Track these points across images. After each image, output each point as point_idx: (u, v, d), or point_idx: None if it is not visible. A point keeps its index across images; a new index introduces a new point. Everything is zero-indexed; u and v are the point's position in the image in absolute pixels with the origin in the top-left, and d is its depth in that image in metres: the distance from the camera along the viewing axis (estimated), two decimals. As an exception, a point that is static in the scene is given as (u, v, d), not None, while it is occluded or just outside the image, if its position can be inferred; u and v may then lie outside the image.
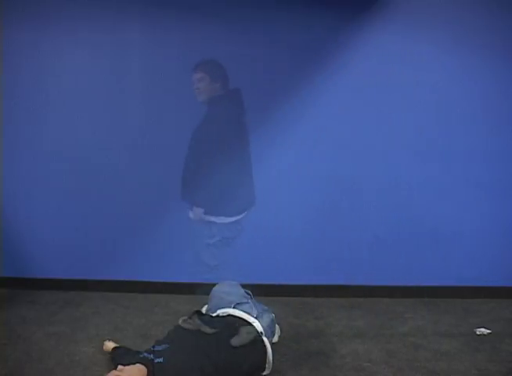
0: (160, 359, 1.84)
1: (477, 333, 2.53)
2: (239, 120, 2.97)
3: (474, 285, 3.03)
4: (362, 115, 2.93)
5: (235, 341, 1.96)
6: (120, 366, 1.83)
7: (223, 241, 3.06)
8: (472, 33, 2.86)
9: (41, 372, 2.12)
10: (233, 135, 3.01)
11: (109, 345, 2.25)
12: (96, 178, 3.04)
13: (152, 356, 1.87)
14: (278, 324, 2.44)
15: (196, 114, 2.95)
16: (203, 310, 2.45)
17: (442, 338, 2.48)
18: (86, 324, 2.62)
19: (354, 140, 2.96)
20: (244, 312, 2.16)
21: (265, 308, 2.35)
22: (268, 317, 2.27)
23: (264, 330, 2.12)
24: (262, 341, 2.07)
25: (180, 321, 2.07)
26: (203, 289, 2.70)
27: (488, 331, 2.54)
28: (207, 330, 1.99)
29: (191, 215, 3.04)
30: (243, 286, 2.47)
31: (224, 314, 2.17)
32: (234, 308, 2.20)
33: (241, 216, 3.04)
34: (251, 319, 2.11)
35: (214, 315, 2.21)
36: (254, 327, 2.09)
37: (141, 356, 1.90)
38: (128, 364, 1.83)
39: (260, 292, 2.51)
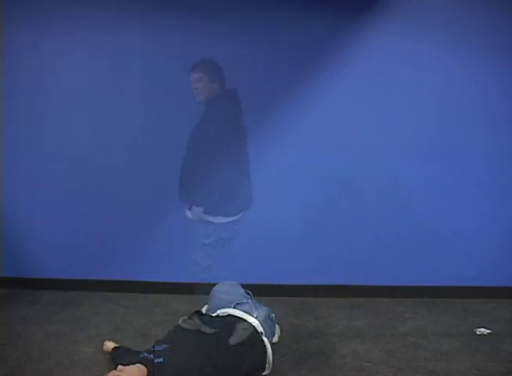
0: (160, 359, 1.84)
1: (477, 333, 2.53)
2: (237, 120, 2.97)
3: (474, 285, 3.03)
4: (362, 115, 2.93)
5: (232, 340, 1.96)
6: (120, 366, 1.83)
7: (219, 242, 3.05)
8: (472, 33, 2.86)
9: (41, 372, 2.12)
10: (231, 135, 3.01)
11: (109, 345, 2.25)
12: (96, 178, 3.04)
13: (152, 356, 1.87)
14: (278, 324, 2.44)
15: (195, 114, 2.95)
16: (203, 310, 2.45)
17: (442, 338, 2.48)
18: (86, 324, 2.62)
19: (354, 140, 2.96)
20: (244, 312, 2.16)
21: (265, 308, 2.35)
22: (268, 317, 2.27)
23: (264, 330, 2.12)
24: (262, 341, 2.07)
25: (180, 321, 2.07)
26: (202, 289, 2.70)
27: (488, 331, 2.54)
28: (207, 330, 1.99)
29: (189, 214, 3.04)
30: (243, 286, 2.47)
31: (224, 314, 2.17)
32: (234, 308, 2.20)
33: (238, 217, 3.04)
34: (251, 319, 2.11)
35: (214, 315, 2.21)
36: (251, 323, 2.08)
37: (141, 356, 1.90)
38: (128, 364, 1.83)
39: (260, 292, 2.51)
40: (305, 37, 2.88)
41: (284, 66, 2.91)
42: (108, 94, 2.98)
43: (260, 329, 2.09)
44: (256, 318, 2.14)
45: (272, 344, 2.15)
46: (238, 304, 2.22)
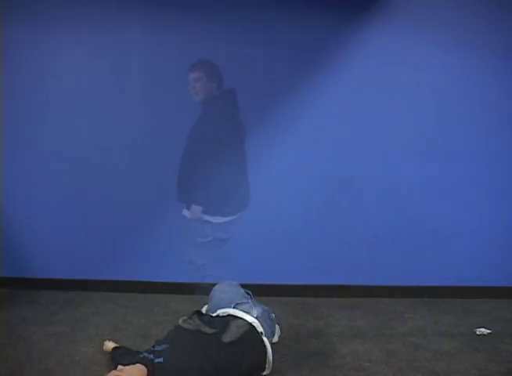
0: (160, 359, 1.84)
1: (477, 333, 2.53)
2: (235, 120, 2.97)
3: (474, 285, 3.03)
4: (362, 115, 2.93)
5: (225, 337, 1.95)
6: (120, 366, 1.83)
7: (215, 242, 3.05)
8: (472, 33, 2.86)
9: (41, 372, 2.12)
10: (229, 135, 3.01)
11: (109, 345, 2.25)
12: (96, 178, 3.04)
13: (152, 356, 1.87)
14: (278, 324, 2.44)
15: (195, 114, 2.95)
16: (203, 310, 2.45)
17: (442, 338, 2.48)
18: (86, 324, 2.62)
19: (354, 140, 2.96)
20: (244, 312, 2.16)
21: (265, 308, 2.35)
22: (268, 317, 2.27)
23: (264, 330, 2.12)
24: (262, 341, 2.07)
25: (180, 321, 2.06)
26: (202, 289, 2.70)
27: (488, 331, 2.54)
28: (207, 330, 1.99)
29: (187, 213, 3.04)
30: (243, 286, 2.47)
31: (224, 314, 2.17)
32: (234, 308, 2.19)
33: (236, 216, 3.04)
34: (251, 319, 2.11)
35: (214, 315, 2.20)
36: (248, 322, 2.08)
37: (141, 356, 1.90)
38: (128, 364, 1.83)
39: (260, 292, 2.51)
40: (305, 37, 2.88)
41: (284, 66, 2.91)
42: (108, 94, 2.98)
43: (260, 329, 2.09)
44: (256, 318, 2.14)
45: (272, 344, 2.15)
46: (238, 304, 2.22)
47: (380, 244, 3.03)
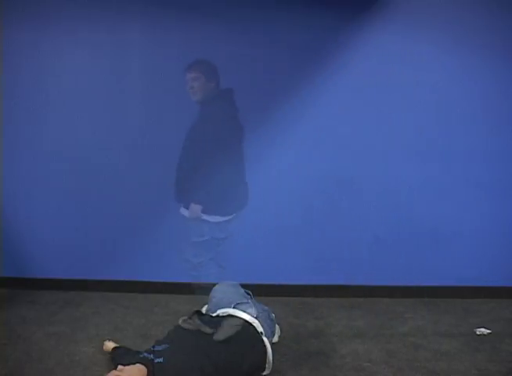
0: (160, 359, 1.84)
1: (477, 333, 2.53)
2: (233, 119, 2.96)
3: (474, 285, 3.03)
4: (362, 115, 2.93)
5: (217, 336, 1.95)
6: (120, 366, 1.83)
7: (212, 241, 3.05)
8: (472, 33, 2.86)
9: (41, 372, 2.12)
10: (227, 134, 3.01)
11: (109, 345, 2.26)
12: (96, 178, 3.04)
13: (152, 356, 1.87)
14: (278, 324, 2.45)
15: (195, 114, 2.95)
16: (203, 310, 2.45)
17: (442, 338, 2.49)
18: (86, 324, 2.62)
19: (354, 140, 2.96)
20: (244, 312, 2.16)
21: (265, 308, 2.35)
22: (268, 317, 2.27)
23: (264, 330, 2.12)
24: (262, 341, 2.07)
25: (180, 321, 2.06)
26: (202, 289, 2.70)
27: (488, 331, 2.54)
28: (207, 330, 1.99)
29: (185, 212, 3.04)
30: (243, 286, 2.47)
31: (224, 314, 2.17)
32: (234, 308, 2.19)
33: (233, 216, 3.04)
34: (251, 320, 2.11)
35: (214, 315, 2.20)
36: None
37: (141, 356, 1.90)
38: (128, 364, 1.83)
39: (260, 292, 2.51)
40: (305, 37, 2.88)
41: (284, 66, 2.91)
42: (108, 94, 2.98)
43: (260, 329, 2.09)
44: (256, 318, 2.14)
45: (272, 344, 2.15)
46: (238, 304, 2.22)
47: (380, 244, 3.03)
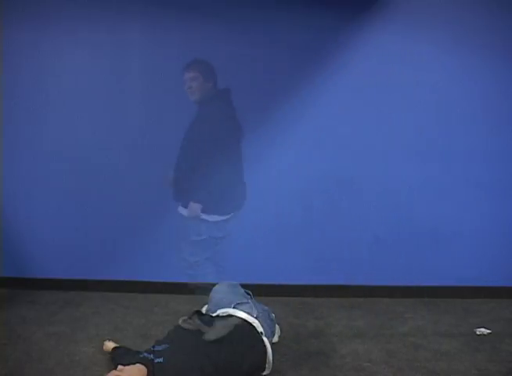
0: (160, 359, 1.84)
1: (477, 333, 2.53)
2: (231, 119, 2.96)
3: (474, 285, 3.03)
4: (362, 115, 2.93)
5: (208, 336, 1.94)
6: (120, 366, 1.83)
7: (210, 240, 3.06)
8: (472, 33, 2.86)
9: (41, 372, 2.12)
10: (226, 134, 3.01)
11: (109, 345, 2.25)
12: (96, 178, 3.04)
13: (152, 356, 1.87)
14: (278, 324, 2.44)
15: (193, 114, 2.95)
16: (203, 310, 2.45)
17: (442, 338, 2.49)
18: (86, 324, 2.62)
19: (354, 140, 2.96)
20: (244, 312, 2.15)
21: (265, 308, 2.35)
22: (268, 317, 2.27)
23: (264, 330, 2.12)
24: (262, 341, 2.07)
25: (180, 321, 2.06)
26: (201, 289, 2.70)
27: (488, 331, 2.54)
28: (207, 330, 1.99)
29: (184, 211, 3.04)
30: (243, 286, 2.47)
31: (224, 314, 2.17)
32: (234, 308, 2.19)
33: (231, 215, 3.04)
34: (251, 319, 2.11)
35: (214, 315, 2.20)
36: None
37: (141, 356, 1.90)
38: (128, 364, 1.83)
39: (260, 292, 2.51)
40: (305, 37, 2.88)
41: (284, 66, 2.91)
42: (108, 94, 2.98)
43: (260, 329, 2.09)
44: (256, 318, 2.14)
45: (272, 344, 2.15)
46: (238, 304, 2.22)
47: (380, 244, 3.03)
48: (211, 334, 1.95)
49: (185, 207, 3.03)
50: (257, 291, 2.46)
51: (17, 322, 2.63)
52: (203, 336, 1.94)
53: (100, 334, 2.48)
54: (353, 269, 3.05)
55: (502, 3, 2.84)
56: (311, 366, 2.20)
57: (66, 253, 3.10)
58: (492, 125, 2.93)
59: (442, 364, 2.21)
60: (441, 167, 2.97)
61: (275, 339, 2.37)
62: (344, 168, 2.98)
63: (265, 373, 2.08)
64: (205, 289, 2.56)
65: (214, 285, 2.49)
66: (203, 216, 3.02)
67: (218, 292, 2.41)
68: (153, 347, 1.94)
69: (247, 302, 2.25)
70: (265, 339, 2.08)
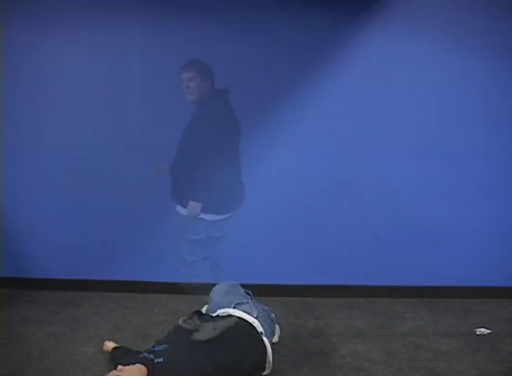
0: (160, 359, 1.84)
1: (477, 333, 2.53)
2: (229, 119, 2.97)
3: (474, 285, 3.03)
4: (362, 115, 2.93)
5: (197, 336, 1.93)
6: (120, 366, 1.83)
7: (208, 240, 3.06)
8: (472, 33, 2.86)
9: (41, 372, 2.12)
10: (224, 134, 3.01)
11: (109, 345, 2.25)
12: (96, 178, 3.04)
13: (152, 356, 1.87)
14: (278, 324, 2.45)
15: (191, 114, 2.96)
16: (203, 310, 2.45)
17: (442, 338, 2.49)
18: (86, 324, 2.62)
19: (354, 140, 2.96)
20: (244, 312, 2.16)
21: (265, 308, 2.35)
22: (268, 317, 2.27)
23: (264, 330, 2.12)
24: (262, 341, 2.07)
25: (180, 321, 2.06)
26: (193, 289, 2.70)
27: (488, 331, 2.54)
28: (200, 330, 1.98)
29: (183, 211, 3.03)
30: (243, 286, 2.47)
31: (224, 314, 2.17)
32: (234, 308, 2.19)
33: (229, 215, 3.04)
34: (251, 319, 2.11)
35: (214, 315, 2.20)
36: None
37: (141, 356, 1.90)
38: (128, 364, 1.83)
39: (260, 292, 2.51)
40: (305, 37, 2.88)
41: (284, 66, 2.91)
42: (108, 94, 2.98)
43: (260, 329, 2.09)
44: (256, 318, 2.14)
45: (272, 344, 2.15)
46: (238, 304, 2.22)
47: (380, 244, 3.03)
48: (200, 334, 1.94)
49: (184, 206, 3.03)
50: (257, 291, 2.46)
51: (17, 322, 2.63)
52: (192, 336, 1.93)
53: (100, 334, 2.48)
54: (353, 269, 3.05)
55: (502, 3, 2.84)
56: (311, 366, 2.20)
57: (66, 253, 3.10)
58: (492, 125, 2.93)
59: (442, 364, 2.21)
60: (441, 167, 2.97)
61: (275, 339, 2.37)
62: (344, 168, 2.98)
63: (265, 373, 2.08)
64: (197, 288, 2.56)
65: (205, 285, 2.48)
66: (201, 215, 3.03)
67: (218, 292, 2.41)
68: (153, 347, 1.94)
69: (247, 302, 2.25)
70: (265, 339, 2.08)
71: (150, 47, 2.93)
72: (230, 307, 2.20)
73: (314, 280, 3.07)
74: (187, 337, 1.96)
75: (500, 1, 2.84)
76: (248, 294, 2.40)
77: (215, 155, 3.00)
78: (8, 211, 3.08)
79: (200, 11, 2.87)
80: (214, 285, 2.49)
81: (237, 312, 2.15)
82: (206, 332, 1.95)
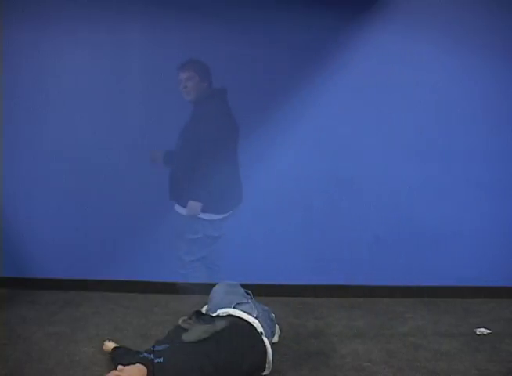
0: (160, 359, 1.84)
1: (477, 333, 2.53)
2: (228, 119, 2.96)
3: (474, 285, 3.03)
4: (362, 115, 2.93)
5: (186, 336, 1.93)
6: (120, 366, 1.83)
7: (205, 239, 3.06)
8: (472, 33, 2.86)
9: (41, 372, 2.12)
10: (222, 134, 3.01)
11: (109, 345, 2.25)
12: (96, 178, 3.04)
13: (152, 356, 1.87)
14: (278, 324, 2.44)
15: (189, 114, 2.96)
16: (203, 310, 2.45)
17: (442, 338, 2.48)
18: (86, 324, 2.62)
19: (354, 140, 2.96)
20: (244, 312, 2.16)
21: (265, 308, 2.35)
22: (268, 317, 2.27)
23: (264, 330, 2.12)
24: (262, 341, 2.06)
25: (180, 321, 2.06)
26: (183, 288, 2.69)
27: (488, 331, 2.54)
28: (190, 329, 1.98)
29: (182, 210, 3.03)
30: (243, 286, 2.47)
31: (224, 314, 2.17)
32: (234, 308, 2.19)
33: (227, 215, 3.04)
34: (251, 319, 2.11)
35: (214, 315, 2.20)
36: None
37: (141, 356, 1.90)
38: (128, 364, 1.83)
39: (260, 292, 2.51)
40: (305, 37, 2.88)
41: (284, 66, 2.91)
42: (108, 94, 2.98)
43: (260, 329, 2.09)
44: (256, 318, 2.14)
45: (272, 344, 2.15)
46: (238, 304, 2.22)
47: (380, 244, 3.03)
48: (190, 335, 1.94)
49: (183, 205, 3.03)
50: (257, 291, 2.46)
51: (17, 322, 2.63)
52: (181, 336, 1.93)
53: (100, 334, 2.48)
54: (353, 269, 3.05)
55: (502, 3, 2.84)
56: (311, 366, 2.20)
57: (66, 253, 3.10)
58: (492, 125, 2.94)
59: (442, 364, 2.21)
60: (441, 167, 2.97)
61: (275, 339, 2.37)
62: (344, 168, 2.98)
63: (265, 373, 2.08)
64: (189, 289, 2.55)
65: (197, 285, 2.48)
66: (200, 214, 3.03)
67: (218, 292, 2.41)
68: (153, 347, 1.94)
69: (247, 302, 2.25)
70: (265, 339, 2.08)
71: (150, 47, 2.93)
72: (230, 307, 2.20)
73: (314, 280, 3.07)
74: (187, 337, 1.97)
75: (500, 1, 2.84)
76: (248, 294, 2.40)
77: (213, 155, 3.00)
78: (8, 211, 3.08)
79: (200, 11, 2.87)
80: (213, 285, 2.49)
81: (237, 312, 2.15)
82: (196, 333, 1.94)
